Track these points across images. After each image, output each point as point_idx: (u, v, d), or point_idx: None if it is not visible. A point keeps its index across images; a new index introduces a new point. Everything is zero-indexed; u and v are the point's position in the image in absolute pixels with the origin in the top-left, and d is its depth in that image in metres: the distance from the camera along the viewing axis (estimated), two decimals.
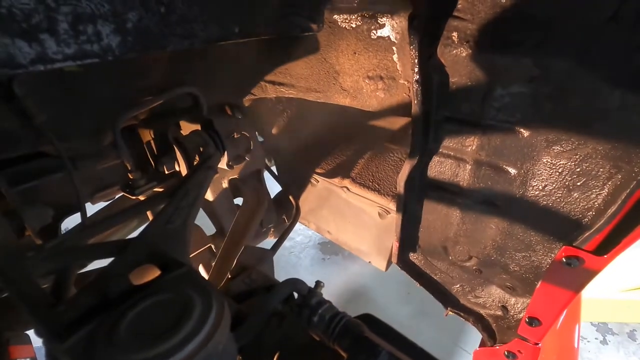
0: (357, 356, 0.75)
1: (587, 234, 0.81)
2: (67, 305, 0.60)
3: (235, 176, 1.64)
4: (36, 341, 1.19)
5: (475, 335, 2.99)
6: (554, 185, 0.88)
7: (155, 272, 0.72)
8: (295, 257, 4.33)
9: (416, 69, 0.87)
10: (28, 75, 1.02)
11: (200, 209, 1.40)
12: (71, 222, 1.19)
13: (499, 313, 1.22)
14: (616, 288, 2.97)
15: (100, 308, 0.62)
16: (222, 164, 1.44)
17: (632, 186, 0.73)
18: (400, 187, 1.10)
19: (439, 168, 1.07)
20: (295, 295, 0.93)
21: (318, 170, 1.73)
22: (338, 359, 0.80)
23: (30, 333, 1.23)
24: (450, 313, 1.32)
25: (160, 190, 1.48)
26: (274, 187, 1.87)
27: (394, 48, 0.99)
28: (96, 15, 0.67)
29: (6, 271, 0.72)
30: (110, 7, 0.67)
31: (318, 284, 0.91)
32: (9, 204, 1.05)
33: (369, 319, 0.91)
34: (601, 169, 0.79)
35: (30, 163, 1.14)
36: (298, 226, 1.96)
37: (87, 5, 0.65)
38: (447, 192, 1.09)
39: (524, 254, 1.02)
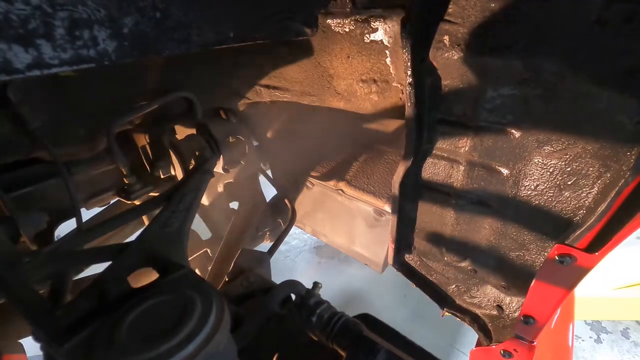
0: (356, 355, 0.75)
1: (578, 232, 0.83)
2: (66, 309, 0.60)
3: (231, 180, 1.64)
4: (30, 350, 1.17)
5: (471, 337, 3.00)
6: (545, 185, 0.89)
7: (154, 276, 0.72)
8: (291, 261, 4.32)
9: (409, 72, 0.88)
10: (23, 81, 1.02)
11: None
12: (65, 229, 1.18)
13: (495, 312, 1.23)
14: (609, 286, 2.99)
15: (99, 311, 0.62)
16: (218, 168, 1.44)
17: (620, 184, 0.74)
18: (395, 189, 1.11)
19: (432, 169, 1.08)
20: (293, 297, 0.93)
21: (313, 174, 1.73)
22: (337, 358, 0.80)
23: (24, 342, 1.21)
24: (447, 314, 1.33)
25: (156, 194, 1.47)
26: (269, 191, 1.87)
27: (387, 52, 1.01)
28: (92, 21, 0.67)
29: (2, 277, 0.72)
30: (106, 12, 0.68)
31: (316, 284, 0.91)
32: (4, 210, 1.04)
33: (367, 319, 0.91)
34: (591, 168, 0.81)
35: (25, 169, 1.13)
36: (293, 230, 1.96)
37: (84, 10, 0.66)
38: (441, 193, 1.10)
39: (517, 253, 1.04)
